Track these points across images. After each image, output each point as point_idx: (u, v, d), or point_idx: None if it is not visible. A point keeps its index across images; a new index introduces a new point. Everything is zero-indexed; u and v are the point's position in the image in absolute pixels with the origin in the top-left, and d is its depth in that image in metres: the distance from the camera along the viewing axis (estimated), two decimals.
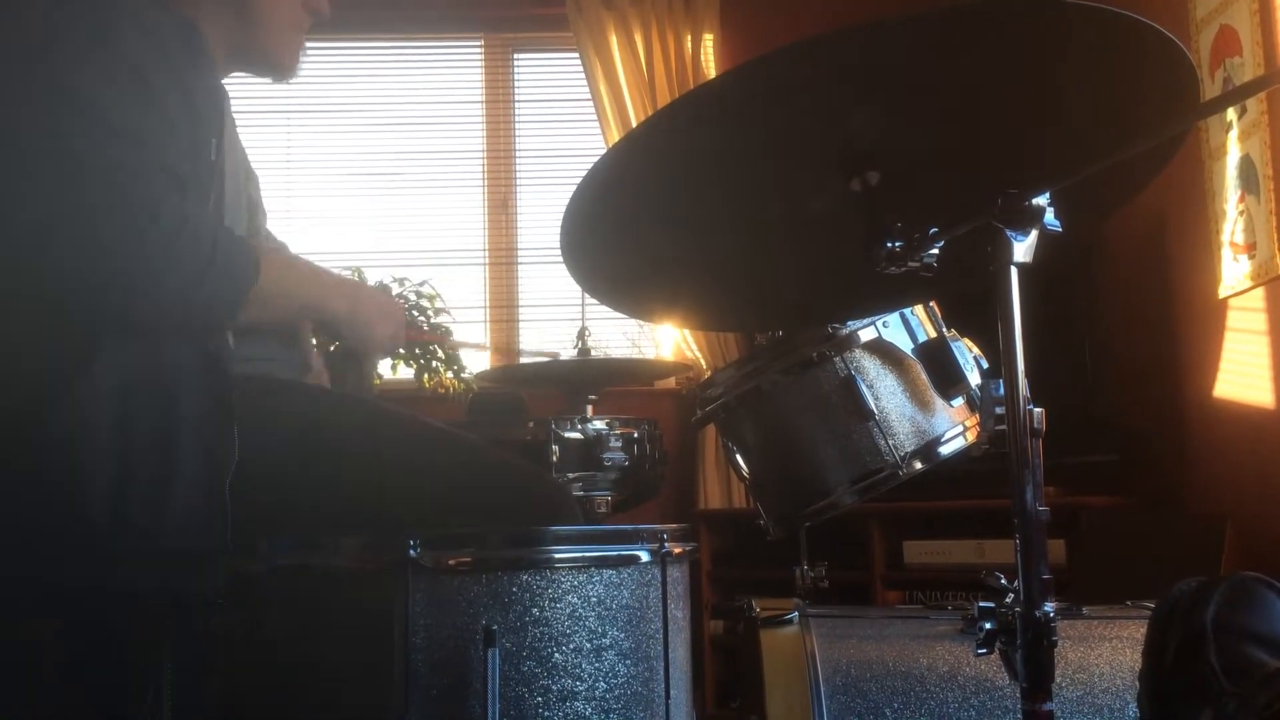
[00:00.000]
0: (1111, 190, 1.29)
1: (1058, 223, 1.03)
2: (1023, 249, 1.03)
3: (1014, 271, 1.03)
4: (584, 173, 1.15)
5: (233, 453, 1.25)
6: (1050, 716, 1.00)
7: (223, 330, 1.34)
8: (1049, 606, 1.01)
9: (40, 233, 1.17)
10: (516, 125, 4.15)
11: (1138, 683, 1.13)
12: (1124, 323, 3.30)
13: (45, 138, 1.19)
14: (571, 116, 4.10)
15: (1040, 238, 1.04)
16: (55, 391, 1.20)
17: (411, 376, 3.35)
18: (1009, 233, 1.02)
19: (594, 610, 1.17)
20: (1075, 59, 1.06)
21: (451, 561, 1.14)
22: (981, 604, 1.05)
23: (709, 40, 3.98)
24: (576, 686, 1.15)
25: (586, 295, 1.46)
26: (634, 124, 3.83)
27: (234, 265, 1.27)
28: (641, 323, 3.93)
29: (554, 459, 1.92)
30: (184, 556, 1.23)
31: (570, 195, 1.17)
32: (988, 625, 1.03)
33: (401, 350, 3.29)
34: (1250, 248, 2.71)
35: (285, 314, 1.44)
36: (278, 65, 1.54)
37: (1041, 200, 1.02)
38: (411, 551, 1.12)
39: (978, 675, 1.44)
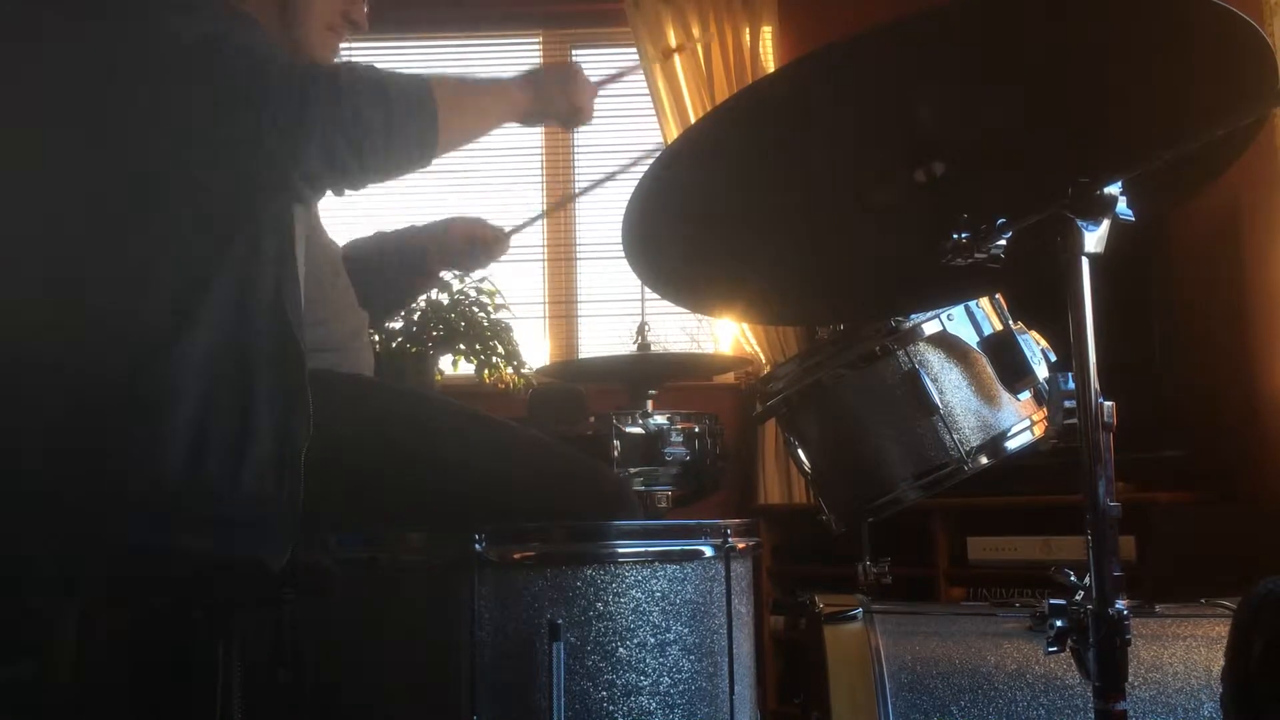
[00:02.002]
0: (1185, 178, 1.26)
1: (1130, 212, 1.01)
2: (1094, 239, 1.01)
3: (1085, 262, 1.01)
4: (641, 167, 1.15)
5: (307, 428, 1.28)
6: (1124, 716, 0.98)
7: (435, 155, 1.38)
8: (1121, 604, 0.99)
9: (221, 144, 1.25)
10: None
11: (1220, 683, 1.10)
12: (1194, 314, 3.22)
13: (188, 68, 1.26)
14: (629, 112, 4.09)
15: (1110, 227, 1.02)
16: (146, 359, 1.24)
17: (472, 372, 3.37)
18: (1080, 223, 1.00)
19: (658, 605, 1.17)
20: (1148, 44, 1.04)
21: (517, 556, 1.15)
22: (1052, 601, 1.03)
23: (767, 33, 3.95)
24: (641, 681, 1.15)
25: (645, 291, 1.46)
26: (692, 118, 3.81)
27: (412, 93, 1.33)
28: (700, 317, 3.92)
29: (615, 454, 1.93)
30: (255, 523, 1.26)
31: (631, 190, 1.17)
32: (1059, 623, 1.02)
33: (462, 346, 3.31)
34: None
35: (482, 127, 1.49)
36: (309, 59, 1.54)
37: (1114, 189, 1.00)
38: (477, 546, 1.13)
39: (1047, 673, 1.42)
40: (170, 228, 1.28)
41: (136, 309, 1.27)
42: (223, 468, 1.24)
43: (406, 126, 1.32)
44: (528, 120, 1.57)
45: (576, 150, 4.13)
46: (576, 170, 4.12)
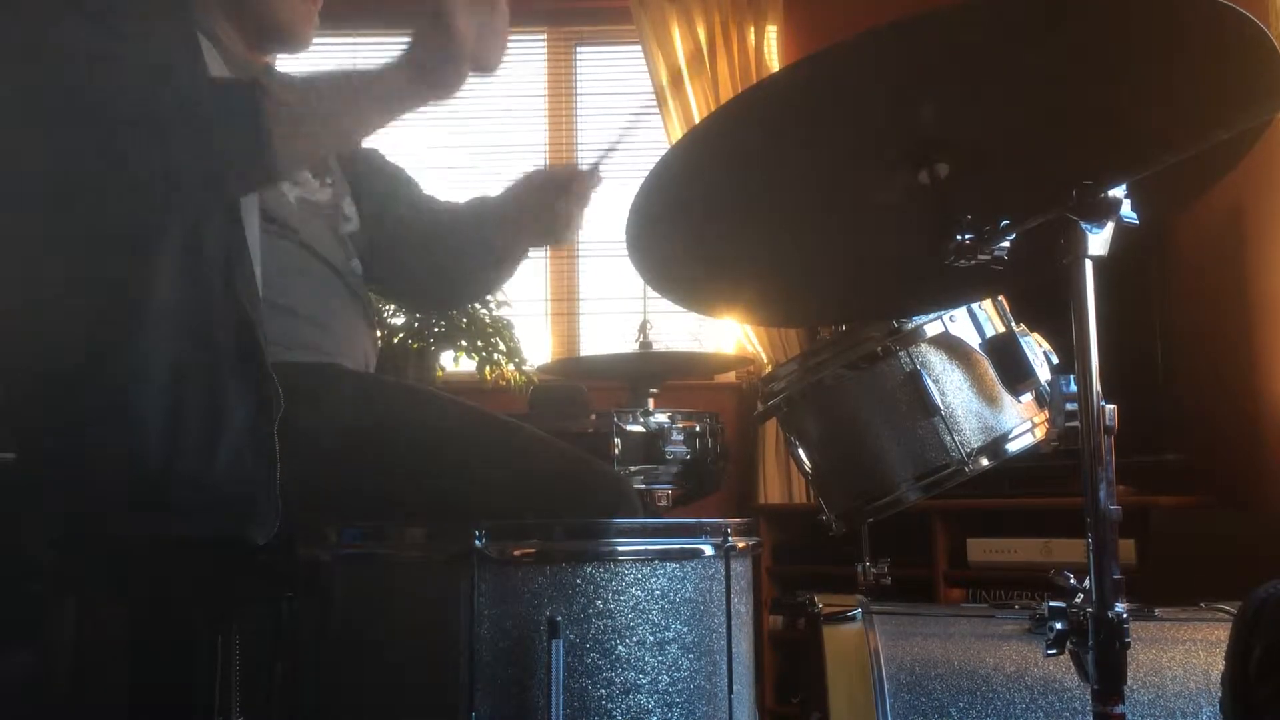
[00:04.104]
0: (1188, 181, 1.26)
1: (1134, 215, 1.01)
2: (1098, 242, 1.01)
3: (1088, 265, 1.01)
4: (646, 166, 1.14)
5: (276, 404, 1.29)
6: (1122, 719, 0.98)
7: (283, 169, 1.36)
8: (1121, 607, 0.99)
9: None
10: (579, 119, 4.15)
11: (1219, 688, 1.10)
12: (1196, 318, 3.22)
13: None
14: (633, 110, 4.09)
15: (1114, 230, 1.02)
16: (108, 348, 1.26)
17: (473, 369, 3.38)
18: (1084, 225, 1.00)
19: (657, 603, 1.17)
20: (1154, 46, 1.04)
21: (517, 552, 1.14)
22: (1052, 604, 1.03)
23: (772, 32, 3.95)
24: (640, 679, 1.15)
25: (648, 289, 1.46)
26: (696, 117, 3.81)
27: (231, 102, 1.27)
28: (703, 317, 3.92)
29: (616, 452, 1.93)
30: (234, 503, 1.28)
31: (635, 189, 1.17)
32: (1058, 625, 1.02)
33: (464, 342, 3.31)
34: None
35: (362, 119, 1.37)
36: (278, 27, 1.54)
37: (1118, 192, 1.00)
38: (477, 542, 1.13)
39: (1046, 676, 1.42)
40: (96, 217, 1.29)
41: (94, 302, 1.28)
42: (198, 450, 1.26)
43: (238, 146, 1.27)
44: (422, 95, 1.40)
45: (581, 148, 4.12)
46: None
